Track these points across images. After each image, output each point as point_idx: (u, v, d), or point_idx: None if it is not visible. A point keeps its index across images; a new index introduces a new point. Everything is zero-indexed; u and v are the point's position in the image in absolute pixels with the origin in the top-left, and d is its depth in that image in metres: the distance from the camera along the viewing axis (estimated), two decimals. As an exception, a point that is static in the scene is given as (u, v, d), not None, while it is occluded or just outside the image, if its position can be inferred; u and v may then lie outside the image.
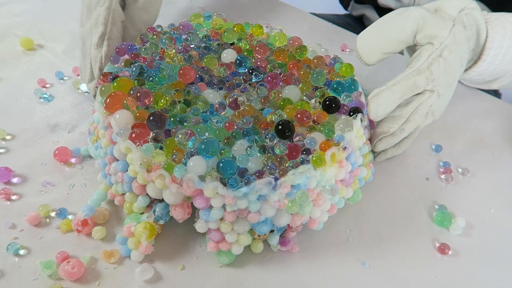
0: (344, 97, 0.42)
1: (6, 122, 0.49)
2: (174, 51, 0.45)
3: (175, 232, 0.41)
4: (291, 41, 0.48)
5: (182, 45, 0.46)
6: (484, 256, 0.42)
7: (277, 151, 0.37)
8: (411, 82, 0.44)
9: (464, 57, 0.49)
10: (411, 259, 0.41)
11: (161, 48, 0.46)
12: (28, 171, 0.45)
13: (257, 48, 0.46)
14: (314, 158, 0.36)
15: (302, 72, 0.44)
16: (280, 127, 0.37)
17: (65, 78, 0.56)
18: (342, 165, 0.39)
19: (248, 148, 0.36)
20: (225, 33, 0.47)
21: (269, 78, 0.42)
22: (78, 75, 0.57)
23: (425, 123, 0.48)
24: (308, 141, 0.37)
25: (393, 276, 0.40)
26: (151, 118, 0.36)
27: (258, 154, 0.37)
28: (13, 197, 0.42)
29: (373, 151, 0.48)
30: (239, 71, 0.44)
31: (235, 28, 0.49)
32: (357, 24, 0.91)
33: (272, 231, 0.39)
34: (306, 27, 0.71)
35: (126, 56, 0.45)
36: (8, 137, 0.48)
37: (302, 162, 0.36)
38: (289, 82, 0.43)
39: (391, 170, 0.50)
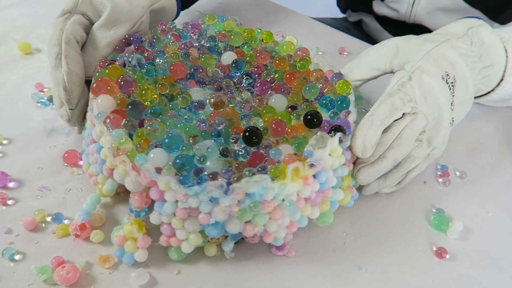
0: (332, 114, 0.41)
1: (3, 126, 0.49)
2: (176, 47, 0.46)
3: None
4: (298, 52, 0.48)
5: (184, 42, 0.47)
6: (481, 260, 0.42)
7: (239, 157, 0.36)
8: (387, 105, 0.42)
9: (466, 76, 0.46)
10: (408, 263, 0.41)
11: (166, 44, 0.47)
12: (25, 176, 0.45)
13: (258, 54, 0.45)
14: (272, 169, 0.35)
15: (296, 83, 0.43)
16: (247, 133, 0.37)
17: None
18: (308, 183, 0.37)
19: (209, 149, 0.36)
20: (232, 36, 0.47)
21: (258, 84, 0.42)
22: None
23: (421, 153, 0.44)
24: (273, 152, 0.36)
25: (390, 281, 0.40)
26: (129, 106, 0.38)
27: (220, 156, 0.36)
28: (9, 202, 0.42)
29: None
30: (234, 74, 0.44)
31: (245, 33, 0.49)
32: (355, 28, 0.91)
33: (226, 237, 0.39)
34: (305, 30, 0.71)
35: (132, 48, 0.46)
36: (5, 142, 0.48)
37: (259, 172, 0.35)
38: (278, 91, 0.43)
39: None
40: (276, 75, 0.45)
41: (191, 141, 0.37)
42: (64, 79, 0.42)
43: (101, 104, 0.39)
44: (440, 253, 0.42)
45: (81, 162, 0.46)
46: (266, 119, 0.39)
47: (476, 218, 0.46)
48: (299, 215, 0.38)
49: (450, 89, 0.45)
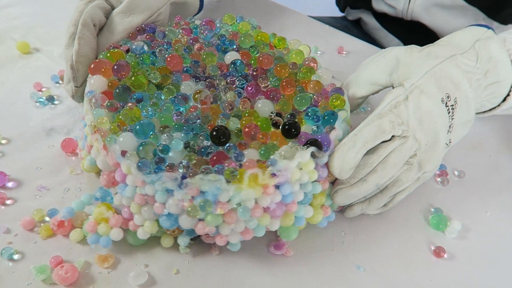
0: (315, 128, 0.39)
1: (1, 126, 0.49)
2: (184, 41, 0.47)
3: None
4: (306, 62, 0.46)
5: (193, 37, 0.47)
6: (480, 259, 0.42)
7: (204, 154, 0.37)
8: (374, 127, 0.39)
9: (469, 97, 0.43)
10: (407, 262, 0.41)
11: (176, 37, 0.48)
12: (23, 176, 0.45)
13: (261, 57, 0.44)
14: (227, 171, 0.35)
15: (290, 92, 0.42)
16: (214, 132, 0.37)
17: (61, 82, 0.56)
18: (267, 192, 0.35)
19: (173, 141, 0.37)
20: (242, 38, 0.47)
21: (249, 87, 0.42)
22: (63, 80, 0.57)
23: (410, 177, 0.41)
24: (235, 154, 0.36)
25: (388, 280, 0.40)
26: (117, 89, 0.41)
27: (184, 150, 0.37)
28: (8, 202, 0.42)
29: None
30: (231, 74, 0.44)
31: (258, 36, 0.48)
32: (354, 27, 0.91)
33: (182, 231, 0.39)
34: (304, 29, 0.71)
35: (144, 36, 0.48)
36: (3, 141, 0.48)
37: (216, 171, 0.35)
38: (271, 92, 0.42)
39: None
40: (269, 81, 0.43)
41: (160, 130, 0.38)
42: (73, 58, 0.44)
43: (93, 84, 0.42)
44: (438, 252, 0.42)
45: (77, 150, 0.47)
46: (243, 121, 0.39)
47: (474, 218, 0.46)
48: (255, 223, 0.37)
49: (449, 112, 0.42)
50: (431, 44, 0.45)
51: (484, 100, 0.46)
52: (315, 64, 0.46)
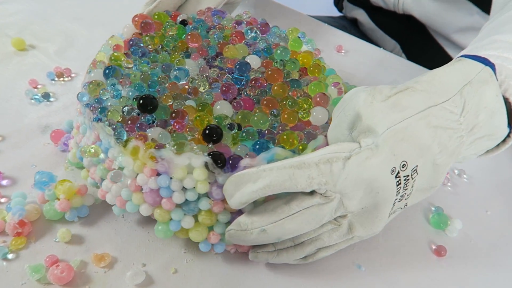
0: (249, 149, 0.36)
1: (-4, 124, 0.49)
2: (230, 31, 0.48)
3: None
4: (318, 98, 0.40)
5: (237, 31, 0.48)
6: (480, 259, 0.42)
7: (129, 114, 0.38)
8: (285, 175, 0.31)
9: (437, 164, 0.35)
10: (407, 262, 0.41)
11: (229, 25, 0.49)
12: (18, 173, 0.44)
13: (270, 72, 0.41)
14: (116, 132, 0.37)
15: (266, 103, 0.39)
16: (141, 101, 0.37)
17: (56, 79, 0.55)
18: (145, 172, 0.35)
19: (129, 92, 0.39)
20: (279, 51, 0.44)
21: (223, 87, 0.40)
22: (58, 77, 0.56)
23: (333, 239, 0.36)
24: (141, 124, 0.37)
25: (389, 279, 0.39)
26: (130, 42, 0.45)
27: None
28: (2, 200, 0.41)
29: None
30: (237, 73, 0.43)
31: (299, 57, 0.45)
32: (352, 27, 0.91)
33: None
34: (302, 28, 0.71)
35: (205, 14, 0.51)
36: (-2, 139, 0.47)
37: (114, 129, 0.37)
38: (246, 103, 0.39)
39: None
40: (256, 92, 0.41)
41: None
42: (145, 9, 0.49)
43: (127, 31, 0.47)
44: (439, 251, 0.42)
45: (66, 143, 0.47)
46: (187, 111, 0.38)
47: (475, 217, 0.46)
48: (128, 195, 0.37)
49: (398, 184, 0.33)
50: (405, 86, 0.34)
51: (471, 154, 0.39)
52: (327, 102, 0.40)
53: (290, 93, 0.41)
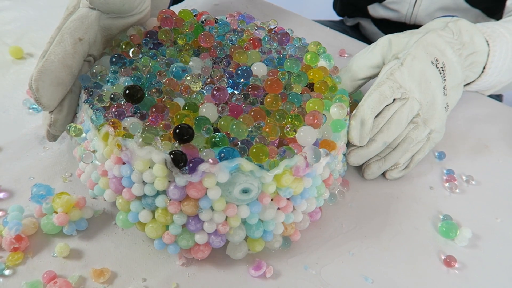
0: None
1: (-7, 134, 0.48)
2: (247, 36, 0.47)
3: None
4: (311, 117, 0.39)
5: (255, 37, 0.47)
6: (492, 269, 0.41)
7: (115, 100, 0.38)
8: (376, 94, 0.44)
9: (454, 61, 0.49)
10: (416, 272, 0.40)
11: (248, 29, 0.48)
12: (15, 186, 0.43)
13: (269, 82, 0.40)
14: (92, 115, 0.38)
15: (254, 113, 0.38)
16: (127, 90, 0.37)
17: (55, 87, 0.54)
18: (111, 158, 0.36)
19: (125, 82, 0.40)
20: (288, 63, 0.43)
21: (215, 91, 0.38)
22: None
23: (419, 135, 0.47)
24: (117, 111, 0.37)
25: (397, 292, 0.38)
26: (148, 35, 0.46)
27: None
28: (-1, 213, 0.40)
29: (365, 168, 0.47)
30: (236, 78, 0.42)
31: (310, 73, 0.44)
32: (353, 31, 0.90)
33: None
34: (305, 32, 0.70)
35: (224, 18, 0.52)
36: (-5, 150, 0.46)
37: (96, 111, 0.38)
38: (234, 109, 0.38)
39: (394, 179, 0.48)
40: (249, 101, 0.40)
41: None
42: (32, 77, 0.38)
43: (148, 23, 0.48)
44: (449, 261, 0.40)
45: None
46: (171, 108, 0.37)
47: (485, 225, 0.44)
48: (96, 177, 0.39)
49: (440, 73, 0.47)
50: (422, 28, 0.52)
51: (467, 70, 0.52)
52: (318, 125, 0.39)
53: (287, 106, 0.39)
